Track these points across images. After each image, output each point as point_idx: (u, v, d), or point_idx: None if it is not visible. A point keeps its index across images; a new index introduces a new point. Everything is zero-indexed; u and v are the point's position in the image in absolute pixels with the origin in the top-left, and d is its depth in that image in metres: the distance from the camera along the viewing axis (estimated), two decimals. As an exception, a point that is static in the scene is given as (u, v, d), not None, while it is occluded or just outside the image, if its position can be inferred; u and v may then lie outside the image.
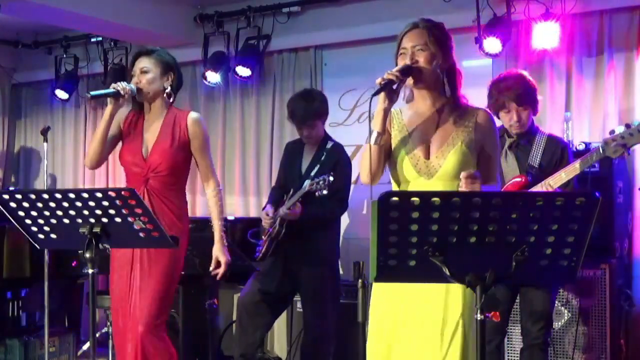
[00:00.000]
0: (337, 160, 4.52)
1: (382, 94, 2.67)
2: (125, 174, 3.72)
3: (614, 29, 5.00)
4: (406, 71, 2.70)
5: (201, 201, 6.49)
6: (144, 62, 3.63)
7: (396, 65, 2.76)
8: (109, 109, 3.57)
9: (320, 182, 4.22)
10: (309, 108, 4.50)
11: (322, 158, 4.54)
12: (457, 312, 2.64)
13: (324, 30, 5.95)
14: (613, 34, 5.00)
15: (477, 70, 5.11)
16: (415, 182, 2.74)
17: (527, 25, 5.09)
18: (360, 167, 2.79)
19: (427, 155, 2.75)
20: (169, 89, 3.65)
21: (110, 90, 3.56)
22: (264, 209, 4.71)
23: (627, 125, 3.53)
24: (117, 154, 3.76)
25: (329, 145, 4.58)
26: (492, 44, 4.97)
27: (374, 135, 2.71)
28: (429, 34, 2.73)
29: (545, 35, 4.93)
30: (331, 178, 4.19)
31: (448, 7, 5.17)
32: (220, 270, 3.72)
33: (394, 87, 2.67)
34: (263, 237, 4.66)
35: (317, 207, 4.39)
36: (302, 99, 4.60)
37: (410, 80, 2.73)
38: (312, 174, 4.48)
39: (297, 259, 4.50)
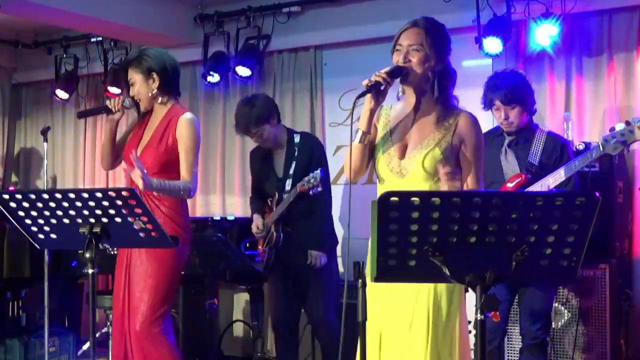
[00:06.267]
0: (311, 151, 4.44)
1: (369, 94, 2.68)
2: None
3: (614, 29, 5.00)
4: (395, 73, 2.70)
5: (201, 201, 6.49)
6: (129, 74, 3.68)
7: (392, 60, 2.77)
8: (107, 124, 3.70)
9: (312, 181, 4.16)
10: (249, 114, 4.37)
11: (295, 154, 4.45)
12: (424, 309, 2.66)
13: (324, 30, 5.95)
14: (613, 34, 5.00)
15: (477, 70, 5.11)
16: (389, 181, 2.76)
17: (527, 25, 5.09)
18: (345, 165, 2.80)
19: (402, 155, 2.76)
20: (155, 90, 3.63)
21: (101, 107, 3.69)
22: (252, 222, 4.62)
23: (627, 123, 3.54)
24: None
25: (297, 139, 4.49)
26: (492, 44, 4.97)
27: (359, 134, 2.75)
28: (427, 34, 2.73)
29: (545, 35, 4.93)
30: (321, 173, 4.14)
31: (448, 7, 5.17)
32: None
33: (382, 88, 2.68)
34: (259, 247, 4.61)
35: (319, 210, 4.37)
36: (242, 106, 4.47)
37: (398, 79, 2.73)
38: (291, 172, 4.42)
39: (301, 260, 4.46)
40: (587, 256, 2.11)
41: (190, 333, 5.26)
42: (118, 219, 2.58)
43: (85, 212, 2.58)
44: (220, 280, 5.23)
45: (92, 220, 2.59)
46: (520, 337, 4.03)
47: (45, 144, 5.23)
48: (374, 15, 5.68)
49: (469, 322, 3.21)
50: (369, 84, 2.66)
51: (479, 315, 2.11)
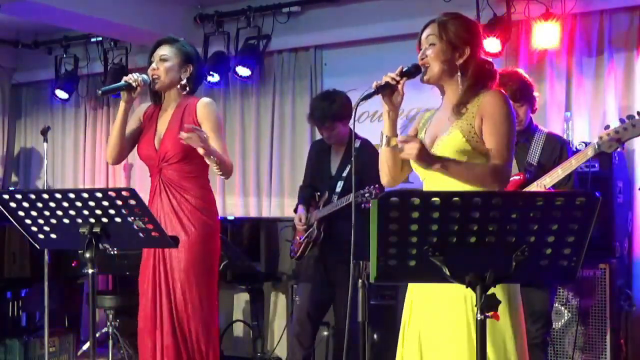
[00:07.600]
0: (368, 159, 4.44)
1: (382, 98, 2.66)
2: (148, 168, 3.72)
3: (614, 29, 5.00)
4: (409, 72, 2.66)
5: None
6: (164, 50, 3.61)
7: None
8: (122, 102, 3.55)
9: (367, 196, 4.16)
10: (328, 109, 4.47)
11: (352, 158, 4.50)
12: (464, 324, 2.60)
13: (324, 30, 5.95)
14: (613, 34, 5.00)
15: (477, 70, 5.10)
16: (428, 178, 2.70)
17: (527, 25, 5.09)
18: (380, 170, 2.81)
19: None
20: (184, 81, 3.61)
21: (122, 83, 3.53)
22: (295, 210, 4.72)
23: (622, 120, 3.55)
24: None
25: (357, 144, 4.48)
26: (492, 44, 4.97)
27: (383, 138, 2.74)
28: (441, 26, 2.69)
29: (545, 35, 4.93)
30: (377, 190, 4.15)
31: (448, 7, 5.15)
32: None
33: (394, 88, 2.65)
34: (297, 237, 4.68)
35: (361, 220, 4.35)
36: (322, 99, 4.59)
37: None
38: (344, 174, 4.48)
39: (335, 260, 4.46)
40: (587, 256, 2.11)
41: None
42: (118, 219, 2.58)
43: (85, 212, 2.57)
44: (220, 280, 5.22)
45: (92, 220, 2.58)
46: (520, 337, 4.02)
47: (45, 144, 5.23)
48: (374, 15, 5.68)
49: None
50: (377, 86, 2.63)
51: (479, 315, 2.11)
